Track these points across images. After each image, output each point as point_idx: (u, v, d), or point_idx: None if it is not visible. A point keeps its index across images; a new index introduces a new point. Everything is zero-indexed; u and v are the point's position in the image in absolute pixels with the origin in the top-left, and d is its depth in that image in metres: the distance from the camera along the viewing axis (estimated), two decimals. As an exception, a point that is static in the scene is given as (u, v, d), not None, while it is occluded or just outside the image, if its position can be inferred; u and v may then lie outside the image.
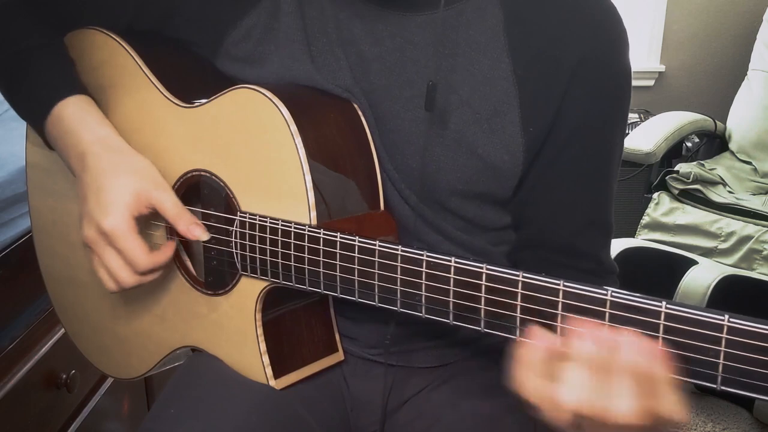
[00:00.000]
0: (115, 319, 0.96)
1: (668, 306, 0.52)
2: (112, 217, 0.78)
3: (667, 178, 2.33)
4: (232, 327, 0.83)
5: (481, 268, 0.60)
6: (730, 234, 2.14)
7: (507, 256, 0.86)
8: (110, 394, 1.34)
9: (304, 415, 0.83)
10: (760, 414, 2.03)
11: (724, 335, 0.50)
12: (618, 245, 2.19)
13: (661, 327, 0.52)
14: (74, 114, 0.83)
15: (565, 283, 0.56)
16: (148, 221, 0.87)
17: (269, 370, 0.81)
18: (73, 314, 1.03)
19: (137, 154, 0.83)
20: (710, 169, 2.42)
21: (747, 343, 0.49)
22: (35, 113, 0.86)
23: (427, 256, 0.64)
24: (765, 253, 2.06)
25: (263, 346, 0.81)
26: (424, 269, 0.64)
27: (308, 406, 0.84)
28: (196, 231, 0.80)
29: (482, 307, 0.60)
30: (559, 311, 0.57)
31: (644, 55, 2.98)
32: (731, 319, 0.50)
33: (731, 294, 1.94)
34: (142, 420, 0.82)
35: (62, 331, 1.17)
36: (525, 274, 0.58)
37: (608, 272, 0.84)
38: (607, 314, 0.54)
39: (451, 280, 0.62)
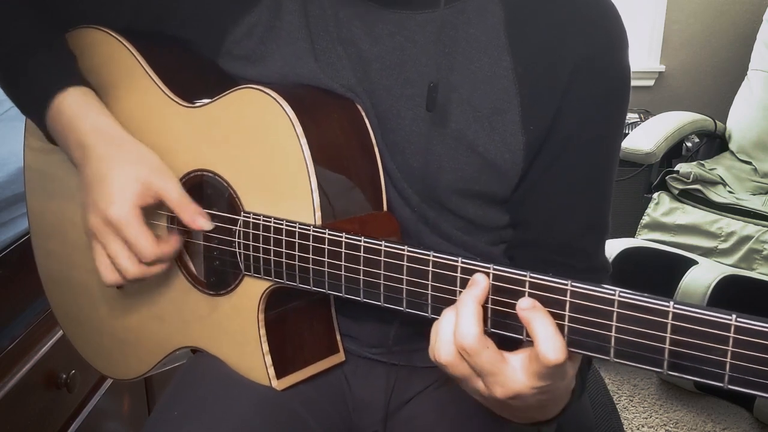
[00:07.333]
0: (114, 320, 0.96)
1: (676, 306, 0.52)
2: (119, 206, 0.77)
3: (667, 178, 2.33)
4: (233, 328, 0.83)
5: (488, 268, 0.60)
6: (730, 234, 2.14)
7: (503, 253, 0.86)
8: (110, 394, 1.33)
9: (305, 415, 0.83)
10: (760, 414, 2.03)
11: (731, 335, 0.50)
12: (618, 245, 2.19)
13: (669, 327, 0.52)
14: (73, 105, 0.82)
15: (573, 283, 0.56)
16: (152, 213, 0.86)
17: (272, 371, 0.81)
18: (71, 316, 1.03)
19: (139, 143, 0.82)
20: (710, 169, 2.42)
21: (754, 342, 0.49)
22: (35, 106, 0.85)
23: (434, 256, 0.63)
24: (765, 253, 2.07)
25: (266, 347, 0.81)
26: (430, 269, 0.64)
27: (309, 407, 0.84)
28: (199, 221, 0.79)
29: (489, 306, 0.60)
30: (567, 312, 0.56)
31: (644, 55, 2.98)
32: (738, 319, 0.50)
33: (731, 294, 1.94)
34: (142, 420, 0.82)
35: (62, 330, 1.16)
36: (532, 274, 0.58)
37: (602, 270, 0.84)
38: (614, 314, 0.54)
39: (458, 280, 0.62)
